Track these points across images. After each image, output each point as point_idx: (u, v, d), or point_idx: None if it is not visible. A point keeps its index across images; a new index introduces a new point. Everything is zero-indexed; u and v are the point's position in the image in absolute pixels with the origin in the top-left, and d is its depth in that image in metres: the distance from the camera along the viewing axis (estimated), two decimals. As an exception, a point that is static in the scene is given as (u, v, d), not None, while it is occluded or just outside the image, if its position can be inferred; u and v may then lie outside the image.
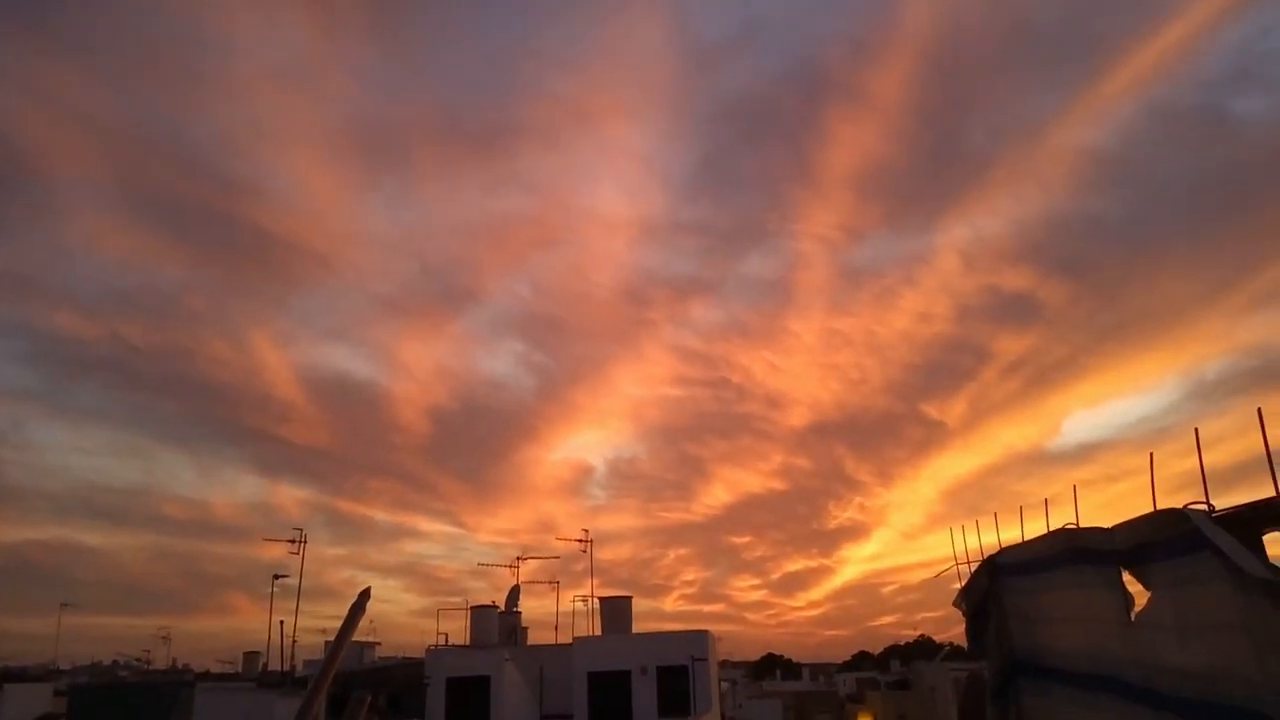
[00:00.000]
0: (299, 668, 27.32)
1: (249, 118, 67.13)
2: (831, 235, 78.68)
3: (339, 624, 7.98)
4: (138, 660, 42.26)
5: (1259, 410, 4.47)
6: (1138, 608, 5.81)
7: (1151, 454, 5.48)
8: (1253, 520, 4.71)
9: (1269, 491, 4.61)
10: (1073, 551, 6.87)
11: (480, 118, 77.48)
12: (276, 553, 26.42)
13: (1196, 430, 4.93)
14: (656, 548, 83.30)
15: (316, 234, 73.14)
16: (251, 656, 31.61)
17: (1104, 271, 73.28)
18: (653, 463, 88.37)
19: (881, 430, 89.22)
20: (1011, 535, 8.86)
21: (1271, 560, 4.58)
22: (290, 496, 70.29)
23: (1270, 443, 4.68)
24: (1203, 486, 4.89)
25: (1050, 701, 7.84)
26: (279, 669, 27.05)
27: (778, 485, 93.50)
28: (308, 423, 74.66)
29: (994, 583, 9.22)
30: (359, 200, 75.29)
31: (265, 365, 73.08)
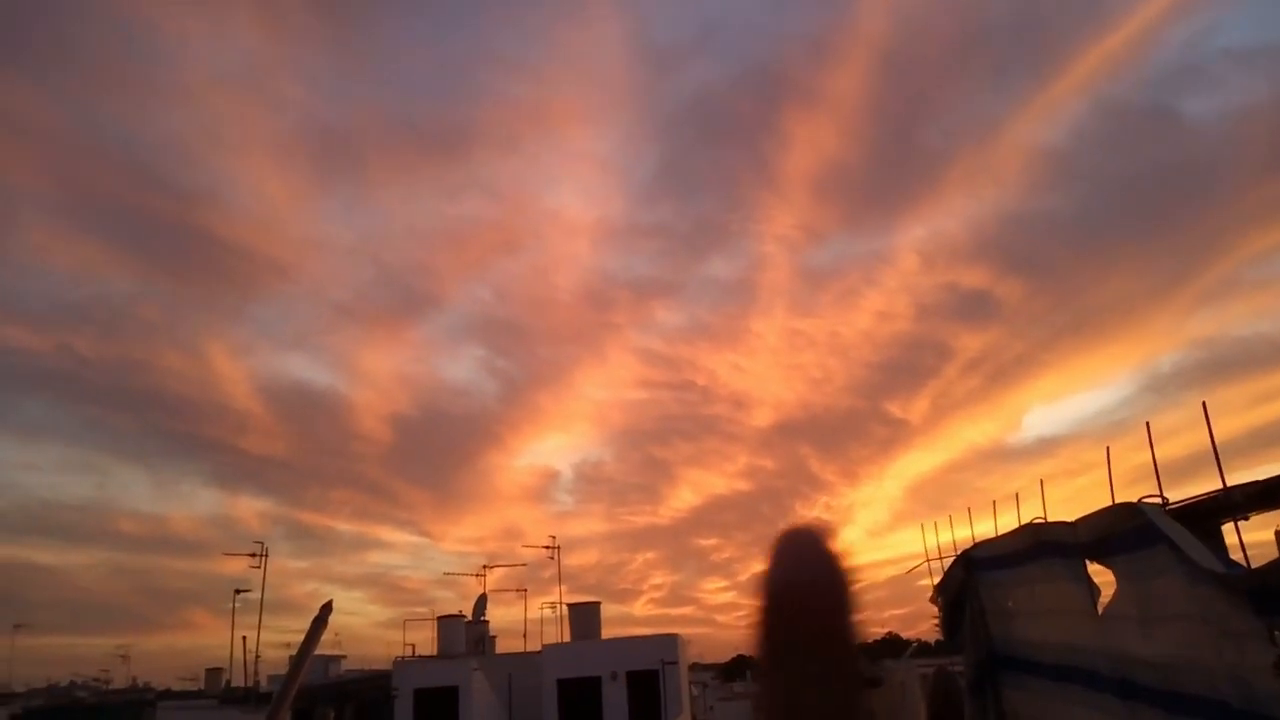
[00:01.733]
0: (263, 683, 26.86)
1: (200, 125, 66.28)
2: (792, 236, 79.38)
3: (303, 638, 7.83)
4: (95, 680, 41.20)
5: (1203, 404, 4.56)
6: (1104, 599, 5.89)
7: (1108, 448, 5.58)
8: (1208, 512, 4.81)
9: (1204, 490, 4.74)
10: (1040, 545, 6.96)
11: (437, 122, 77.11)
12: (237, 567, 26.06)
13: (1148, 424, 5.02)
14: (624, 552, 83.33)
15: (272, 241, 72.30)
16: (214, 673, 31.05)
17: (1058, 268, 74.87)
18: (618, 466, 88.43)
19: (846, 429, 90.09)
20: (983, 530, 8.97)
21: (1229, 549, 4.68)
22: (250, 509, 69.14)
23: (1219, 434, 4.80)
24: (1155, 480, 4.98)
25: (1027, 694, 7.93)
26: (242, 685, 26.59)
27: (744, 486, 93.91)
28: (267, 433, 73.56)
29: (969, 576, 9.31)
30: (315, 207, 74.58)
31: (221, 376, 71.96)
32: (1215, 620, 4.22)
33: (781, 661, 0.31)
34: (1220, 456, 4.71)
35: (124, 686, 39.02)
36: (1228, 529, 4.76)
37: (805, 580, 0.35)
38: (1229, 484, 4.68)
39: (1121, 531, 5.22)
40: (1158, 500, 4.96)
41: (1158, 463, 5.25)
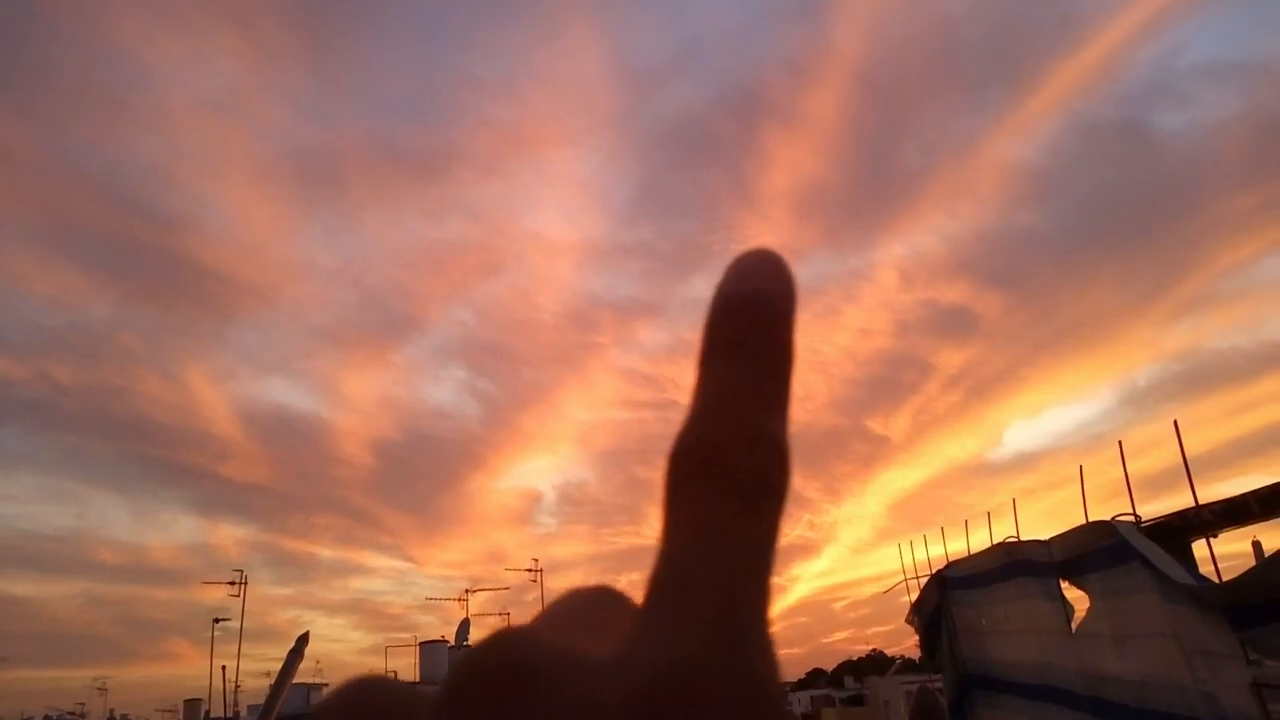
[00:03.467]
0: (242, 713, 26.48)
1: (179, 150, 65.82)
2: (773, 255, 79.74)
3: (279, 669, 7.74)
4: (71, 713, 40.52)
5: (1175, 423, 4.61)
6: (1078, 618, 5.92)
7: (1081, 466, 5.63)
8: (1180, 529, 4.85)
9: (1176, 507, 4.79)
10: (1014, 564, 6.99)
11: (417, 145, 77.13)
12: (217, 595, 25.72)
13: (1120, 443, 5.07)
14: (609, 573, 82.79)
15: (252, 266, 71.78)
16: (193, 704, 30.57)
17: (1036, 283, 75.56)
18: (603, 487, 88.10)
19: (827, 446, 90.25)
20: (957, 548, 9.00)
21: (1199, 565, 4.72)
22: (230, 536, 68.29)
23: (1196, 447, 4.85)
24: (1128, 497, 5.02)
25: (1001, 713, 7.93)
26: (222, 716, 26.18)
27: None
28: (247, 459, 72.80)
29: (944, 596, 9.32)
30: (295, 231, 74.18)
31: (201, 402, 71.17)
32: (1189, 638, 4.25)
33: None
34: (1196, 469, 4.78)
35: (102, 719, 38.38)
36: (1198, 545, 4.81)
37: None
38: (1203, 499, 4.73)
39: (1096, 549, 5.25)
40: (1130, 518, 5.00)
41: (1132, 479, 5.30)
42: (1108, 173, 72.40)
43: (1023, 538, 7.00)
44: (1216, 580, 4.34)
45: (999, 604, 7.67)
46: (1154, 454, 5.22)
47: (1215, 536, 4.59)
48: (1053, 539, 6.04)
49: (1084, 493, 5.47)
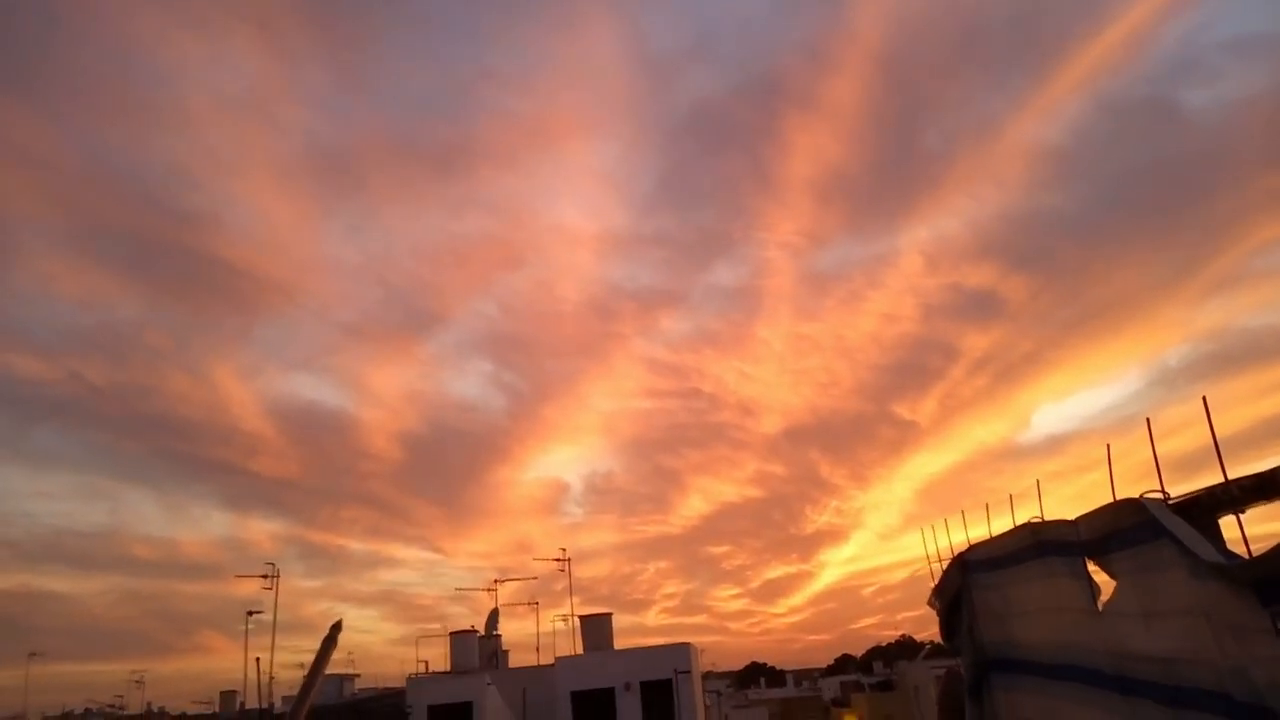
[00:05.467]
0: (277, 704, 26.85)
1: (203, 149, 66.36)
2: (795, 242, 79.33)
3: (313, 658, 7.86)
4: (110, 706, 41.27)
5: (1204, 399, 4.58)
6: (1104, 597, 5.90)
7: (1109, 445, 5.60)
8: (1209, 506, 4.82)
9: (1203, 485, 4.74)
10: (1038, 545, 6.97)
11: (438, 140, 77.33)
12: (250, 588, 25.97)
13: (1148, 421, 5.03)
14: (636, 562, 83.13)
15: (277, 263, 72.43)
16: (228, 696, 31.02)
17: (1063, 265, 74.54)
18: (628, 477, 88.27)
19: (854, 433, 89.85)
20: (980, 532, 8.98)
21: (1227, 543, 4.69)
22: (261, 530, 69.16)
23: (1226, 427, 4.80)
24: (1157, 475, 4.99)
25: (1021, 694, 7.93)
26: (257, 707, 26.58)
27: (754, 493, 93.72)
28: (276, 454, 73.63)
29: (965, 579, 9.31)
30: (319, 227, 74.69)
31: (230, 399, 71.99)
32: (1218, 614, 4.24)
33: None
34: (1227, 449, 4.72)
35: (139, 712, 39.06)
36: (1226, 523, 4.77)
37: None
38: (1232, 478, 4.68)
39: (1124, 528, 5.24)
40: (1160, 495, 4.98)
41: (1161, 460, 5.26)
42: (1134, 152, 71.10)
43: (1047, 519, 6.98)
44: (1245, 557, 4.32)
45: (1021, 584, 7.66)
46: (1184, 435, 5.17)
47: (1244, 512, 4.56)
48: (1080, 518, 6.02)
49: (1111, 473, 5.45)
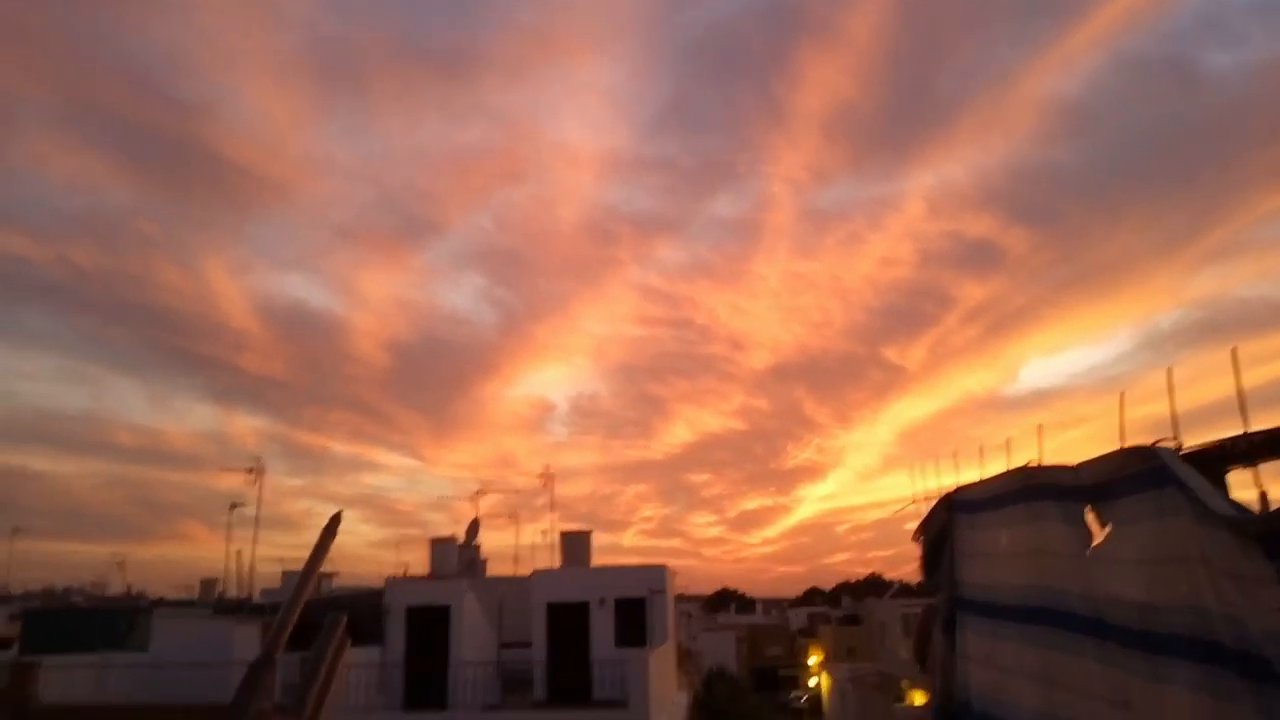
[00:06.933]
0: (256, 595, 27.33)
1: (201, 37, 64.46)
2: (799, 177, 78.57)
3: (297, 553, 7.93)
4: (92, 586, 41.96)
5: (1233, 350, 4.50)
6: (1096, 542, 5.91)
7: (1122, 394, 5.54)
8: (1217, 459, 4.79)
9: (1213, 438, 4.71)
10: (1031, 488, 6.97)
11: (443, 44, 75.40)
12: (233, 482, 26.22)
13: (1170, 370, 4.99)
14: (616, 484, 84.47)
15: (272, 160, 71.17)
16: (209, 584, 31.56)
17: (1065, 222, 74.30)
18: (614, 401, 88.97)
19: (842, 373, 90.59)
20: (971, 477, 8.99)
21: (1233, 497, 4.68)
22: (246, 426, 69.70)
23: (1210, 394, 4.78)
24: (1173, 425, 4.96)
25: (979, 636, 8.06)
26: (236, 596, 27.05)
27: (738, 425, 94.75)
28: (264, 352, 73.67)
29: (951, 518, 9.37)
30: (316, 125, 73.31)
31: (219, 293, 71.64)
32: (1220, 562, 4.22)
33: None
34: (1200, 418, 4.75)
35: (119, 593, 39.73)
36: (1233, 478, 4.75)
37: None
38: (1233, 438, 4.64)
39: (1129, 474, 5.20)
40: (1173, 443, 4.95)
41: (1142, 421, 5.26)
42: (1149, 111, 70.21)
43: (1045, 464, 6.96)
44: (1255, 511, 4.29)
45: (1006, 527, 7.69)
46: (1166, 399, 5.12)
47: (1255, 466, 4.53)
48: (1082, 464, 5.99)
49: (1122, 420, 5.40)
